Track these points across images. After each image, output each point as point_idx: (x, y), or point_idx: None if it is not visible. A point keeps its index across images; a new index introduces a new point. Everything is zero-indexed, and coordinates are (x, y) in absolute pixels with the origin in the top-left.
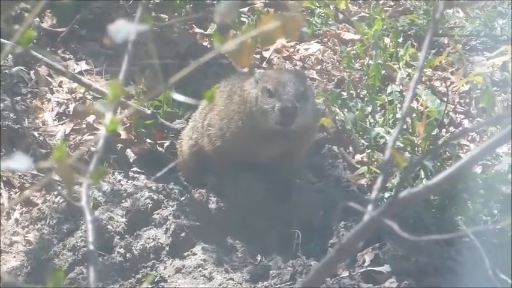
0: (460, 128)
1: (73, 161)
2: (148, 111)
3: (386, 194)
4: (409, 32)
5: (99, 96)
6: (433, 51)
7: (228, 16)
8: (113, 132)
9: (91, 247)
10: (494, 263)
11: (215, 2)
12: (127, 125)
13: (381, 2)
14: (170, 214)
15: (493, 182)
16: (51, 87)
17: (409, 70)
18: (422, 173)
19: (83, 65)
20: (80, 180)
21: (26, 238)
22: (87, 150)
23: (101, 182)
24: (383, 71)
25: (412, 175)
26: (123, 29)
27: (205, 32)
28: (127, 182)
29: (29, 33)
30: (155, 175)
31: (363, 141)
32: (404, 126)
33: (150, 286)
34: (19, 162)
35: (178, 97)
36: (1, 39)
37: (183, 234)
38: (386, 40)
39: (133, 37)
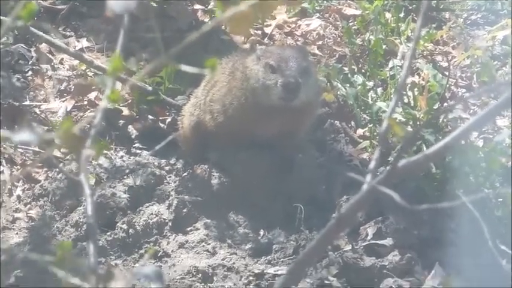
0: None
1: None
2: (150, 88)
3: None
4: (410, 7)
5: (100, 73)
6: (434, 25)
7: None
8: (114, 104)
9: (90, 220)
10: (496, 235)
11: None
12: (129, 101)
13: None
14: (173, 190)
15: (494, 154)
16: (52, 64)
17: (411, 45)
18: (424, 147)
19: (84, 42)
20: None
21: (28, 215)
22: (89, 125)
23: (103, 158)
24: (384, 46)
25: (414, 149)
26: (122, 1)
27: (206, 8)
28: (129, 158)
29: (30, 6)
30: (157, 151)
31: (364, 115)
32: (406, 101)
33: (153, 261)
34: (27, 135)
35: (183, 67)
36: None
37: (185, 210)
38: (388, 15)
39: (132, 9)
